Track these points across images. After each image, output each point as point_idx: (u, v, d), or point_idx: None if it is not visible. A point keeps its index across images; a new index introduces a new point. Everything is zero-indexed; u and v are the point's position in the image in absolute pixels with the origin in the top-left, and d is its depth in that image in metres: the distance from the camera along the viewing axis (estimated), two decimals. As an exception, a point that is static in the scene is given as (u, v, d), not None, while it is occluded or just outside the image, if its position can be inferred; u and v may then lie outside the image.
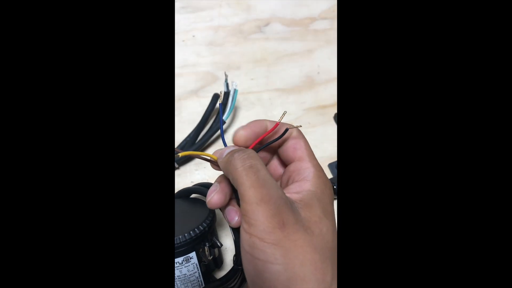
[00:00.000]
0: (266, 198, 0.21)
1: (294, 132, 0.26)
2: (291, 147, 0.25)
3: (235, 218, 0.24)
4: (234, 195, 0.25)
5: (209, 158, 0.25)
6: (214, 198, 0.24)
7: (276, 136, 0.25)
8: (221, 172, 0.25)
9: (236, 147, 0.24)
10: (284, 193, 0.22)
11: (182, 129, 0.41)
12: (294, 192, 0.24)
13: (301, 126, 0.25)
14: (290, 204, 0.21)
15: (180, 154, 0.23)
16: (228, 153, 0.23)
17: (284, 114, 0.25)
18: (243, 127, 0.24)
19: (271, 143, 0.25)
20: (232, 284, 0.32)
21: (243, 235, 0.21)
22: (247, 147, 0.24)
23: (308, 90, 0.46)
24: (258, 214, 0.20)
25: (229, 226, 0.30)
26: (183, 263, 0.29)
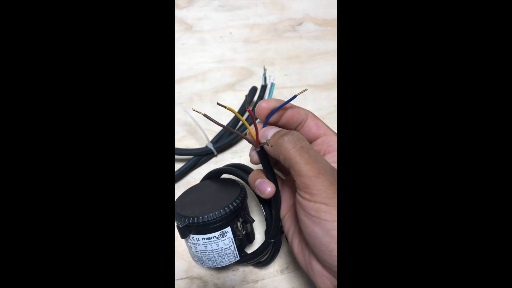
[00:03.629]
0: (323, 171, 0.24)
1: (310, 115, 0.29)
2: (314, 126, 0.29)
3: (267, 189, 0.28)
4: (266, 170, 0.28)
5: (247, 132, 0.28)
6: (271, 191, 0.28)
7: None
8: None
9: (278, 129, 0.27)
10: (332, 165, 0.25)
11: (220, 119, 0.43)
12: (332, 162, 0.27)
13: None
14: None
15: (227, 107, 0.26)
16: (276, 135, 0.26)
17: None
18: (264, 101, 0.28)
19: (281, 106, 0.27)
20: (265, 257, 0.34)
21: (306, 203, 0.24)
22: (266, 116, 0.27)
23: (339, 87, 0.48)
24: (319, 185, 0.23)
25: (260, 202, 0.32)
26: (220, 237, 0.31)
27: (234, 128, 0.41)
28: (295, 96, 0.27)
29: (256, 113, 0.28)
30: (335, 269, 0.23)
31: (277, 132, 0.26)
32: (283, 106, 0.27)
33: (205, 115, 0.26)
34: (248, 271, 0.37)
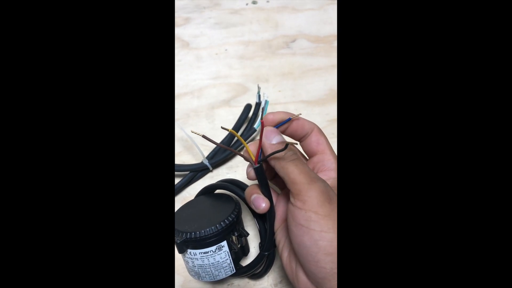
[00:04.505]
0: (315, 179, 0.25)
1: (315, 129, 0.31)
2: (314, 142, 0.30)
3: (262, 205, 0.29)
4: (262, 185, 0.30)
5: (244, 150, 0.29)
6: (265, 206, 0.29)
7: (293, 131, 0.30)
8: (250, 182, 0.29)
9: (282, 138, 0.28)
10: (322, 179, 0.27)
11: (215, 135, 0.44)
12: None
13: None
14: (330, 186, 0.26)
15: (229, 130, 0.27)
16: (278, 146, 0.27)
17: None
18: (272, 113, 0.30)
19: (280, 125, 0.29)
20: (259, 270, 0.35)
21: (297, 212, 0.25)
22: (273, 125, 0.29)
23: (332, 103, 0.49)
24: (311, 192, 0.24)
25: (254, 217, 0.33)
26: (216, 251, 0.32)
27: (230, 143, 0.42)
28: (289, 119, 0.29)
29: (265, 124, 0.29)
30: (320, 280, 0.24)
31: (281, 143, 0.28)
32: (287, 117, 0.30)
33: (203, 136, 0.28)
34: (243, 285, 0.38)
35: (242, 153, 0.29)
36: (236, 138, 0.43)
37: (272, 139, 0.28)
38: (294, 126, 0.30)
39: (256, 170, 0.29)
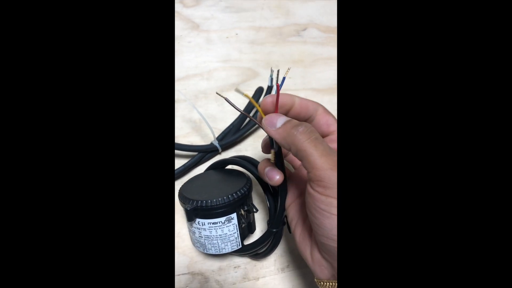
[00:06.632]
0: (337, 164, 0.23)
1: (320, 109, 0.29)
2: (324, 124, 0.29)
3: (276, 177, 0.28)
4: (277, 157, 0.29)
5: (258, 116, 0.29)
6: (279, 178, 0.28)
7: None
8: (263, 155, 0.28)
9: (287, 118, 0.26)
10: None
11: (225, 118, 0.44)
12: None
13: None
14: None
15: (244, 94, 0.26)
16: (288, 125, 0.25)
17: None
18: (271, 95, 0.28)
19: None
20: (264, 249, 0.35)
21: (318, 197, 0.24)
22: (273, 111, 0.27)
23: (341, 92, 0.49)
24: (334, 178, 0.23)
25: (265, 193, 0.33)
26: (225, 222, 0.31)
27: (241, 124, 0.42)
28: (284, 78, 0.28)
29: (262, 107, 0.28)
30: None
31: (289, 121, 0.26)
32: (290, 98, 0.28)
33: (226, 99, 0.27)
34: (249, 268, 0.37)
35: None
36: (248, 119, 0.42)
37: (277, 123, 0.26)
38: (297, 108, 0.28)
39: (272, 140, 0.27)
